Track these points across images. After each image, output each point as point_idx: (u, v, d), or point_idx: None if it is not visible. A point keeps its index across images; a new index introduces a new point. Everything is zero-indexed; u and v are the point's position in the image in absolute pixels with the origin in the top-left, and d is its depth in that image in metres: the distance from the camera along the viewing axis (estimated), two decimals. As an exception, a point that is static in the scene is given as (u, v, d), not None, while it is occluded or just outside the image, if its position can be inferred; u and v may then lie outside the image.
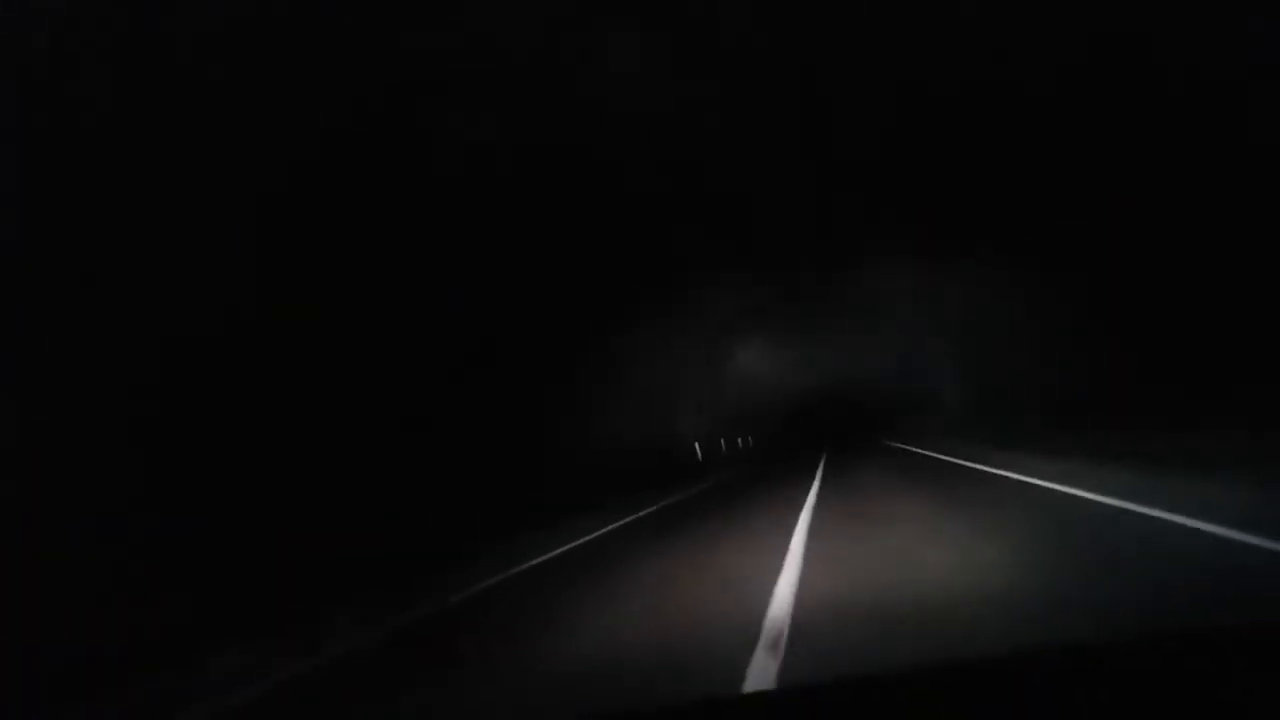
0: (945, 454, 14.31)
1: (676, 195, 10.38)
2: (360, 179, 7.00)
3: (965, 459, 12.24)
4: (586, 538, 9.06)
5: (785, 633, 3.56)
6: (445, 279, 8.77)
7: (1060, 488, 6.89)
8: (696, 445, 23.83)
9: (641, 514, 11.28)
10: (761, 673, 3.04)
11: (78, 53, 4.72)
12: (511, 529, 9.79)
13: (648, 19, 6.95)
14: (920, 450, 17.68)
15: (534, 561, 7.67)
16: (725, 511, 10.18)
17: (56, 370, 4.96)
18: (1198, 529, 4.36)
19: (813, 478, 13.82)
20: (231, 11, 5.38)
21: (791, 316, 20.68)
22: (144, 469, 5.40)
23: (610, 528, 9.89)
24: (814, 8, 6.88)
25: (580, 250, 10.62)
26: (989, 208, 10.46)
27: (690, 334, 18.63)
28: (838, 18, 6.96)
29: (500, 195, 8.69)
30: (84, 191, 4.88)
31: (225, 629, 5.20)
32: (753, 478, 17.56)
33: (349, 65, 6.31)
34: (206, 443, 5.89)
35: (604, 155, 8.93)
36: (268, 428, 6.47)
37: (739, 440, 31.89)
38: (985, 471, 9.85)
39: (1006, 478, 8.61)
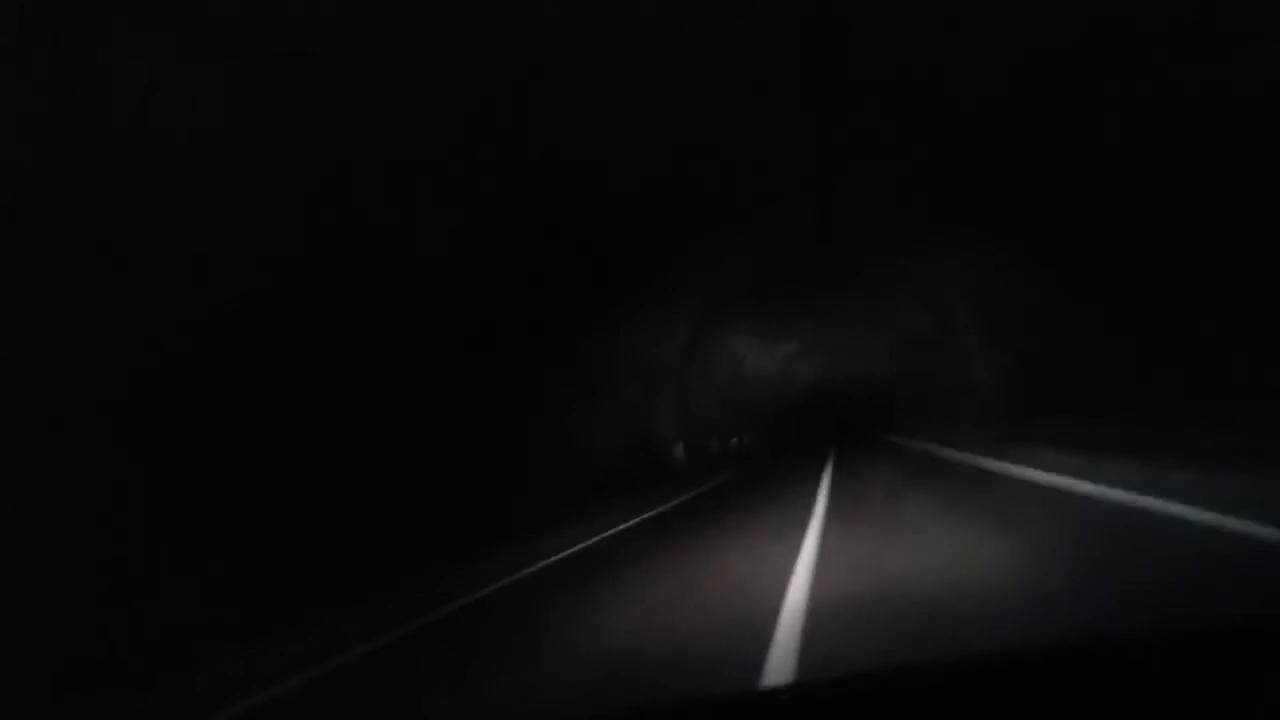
0: (971, 453, 13.43)
1: (667, 179, 10.10)
2: (352, 182, 6.97)
3: (983, 455, 12.02)
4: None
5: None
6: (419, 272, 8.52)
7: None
8: (678, 446, 20.90)
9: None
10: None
11: (75, 45, 4.68)
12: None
13: (645, 13, 6.99)
14: (935, 447, 16.79)
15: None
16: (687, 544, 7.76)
17: (56, 369, 4.91)
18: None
19: (815, 493, 11.12)
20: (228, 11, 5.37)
21: (793, 306, 19.62)
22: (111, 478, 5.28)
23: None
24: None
25: (563, 232, 10.24)
26: (996, 201, 10.51)
27: (677, 322, 16.90)
28: (843, 10, 7.09)
29: (489, 187, 8.58)
30: (79, 180, 4.84)
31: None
32: (742, 485, 15.16)
33: (343, 58, 6.28)
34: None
35: (591, 142, 8.79)
36: (239, 434, 6.28)
37: (734, 439, 28.38)
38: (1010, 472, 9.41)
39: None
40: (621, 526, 10.23)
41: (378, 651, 5.19)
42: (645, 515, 11.28)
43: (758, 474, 18.55)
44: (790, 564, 5.43)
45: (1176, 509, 4.95)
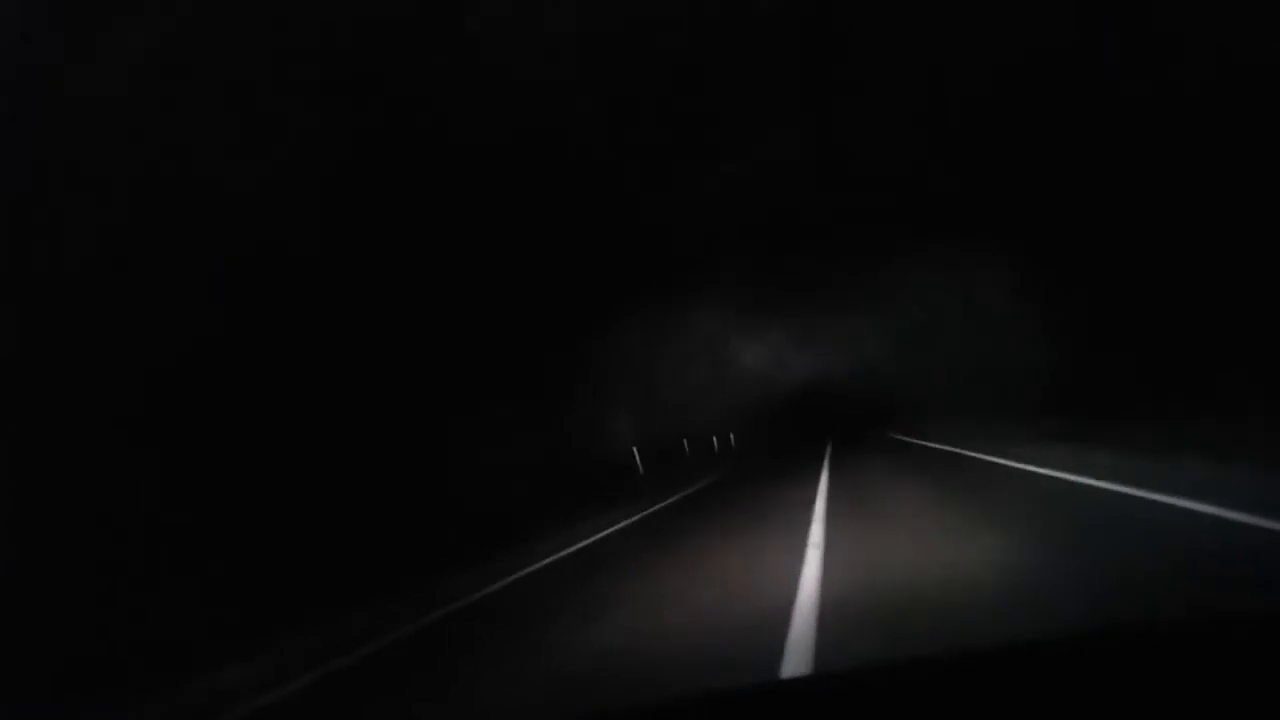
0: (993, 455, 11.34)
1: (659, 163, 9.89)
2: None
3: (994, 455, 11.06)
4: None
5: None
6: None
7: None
8: (635, 451, 17.50)
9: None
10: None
11: (78, 52, 4.67)
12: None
13: (643, 13, 6.97)
14: (938, 446, 15.52)
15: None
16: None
17: (57, 371, 4.91)
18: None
19: (812, 500, 9.41)
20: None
21: (789, 287, 18.57)
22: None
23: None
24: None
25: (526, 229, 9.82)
26: (994, 200, 10.50)
27: (642, 304, 14.94)
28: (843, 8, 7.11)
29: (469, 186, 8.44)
30: (85, 188, 4.83)
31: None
32: (693, 513, 10.91)
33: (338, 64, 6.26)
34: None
35: (568, 134, 8.63)
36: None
37: (714, 439, 25.72)
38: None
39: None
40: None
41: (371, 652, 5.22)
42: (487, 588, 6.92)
43: (732, 488, 14.41)
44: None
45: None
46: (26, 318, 4.79)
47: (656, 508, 12.10)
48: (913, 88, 8.53)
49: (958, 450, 12.89)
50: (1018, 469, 8.78)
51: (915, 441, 18.75)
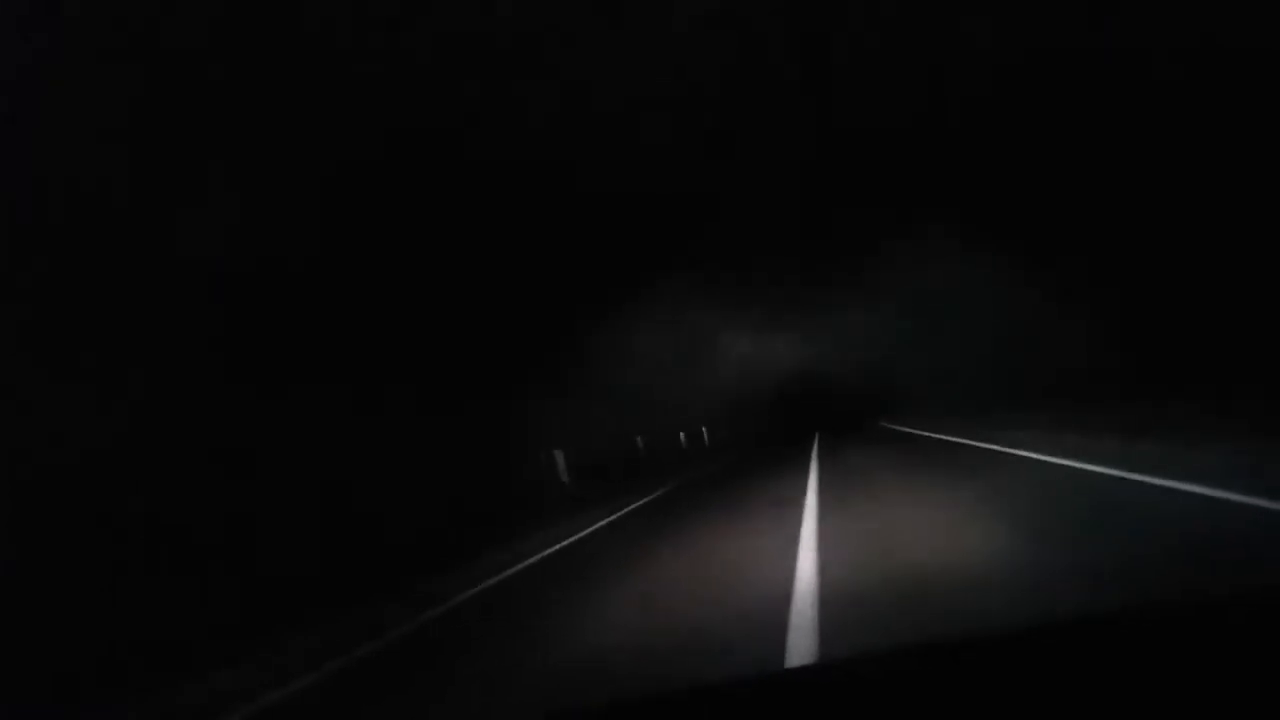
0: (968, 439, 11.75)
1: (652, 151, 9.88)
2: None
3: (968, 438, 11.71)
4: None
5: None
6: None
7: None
8: (559, 455, 14.22)
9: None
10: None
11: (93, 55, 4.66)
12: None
13: (640, 7, 6.96)
14: (927, 434, 15.61)
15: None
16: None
17: (57, 370, 4.91)
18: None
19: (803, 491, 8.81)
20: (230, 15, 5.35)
21: (787, 298, 18.90)
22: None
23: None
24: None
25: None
26: (994, 198, 10.51)
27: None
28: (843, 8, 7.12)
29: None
30: (85, 188, 4.83)
31: None
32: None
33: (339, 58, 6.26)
34: None
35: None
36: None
37: (682, 436, 22.39)
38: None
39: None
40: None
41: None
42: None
43: (704, 487, 11.30)
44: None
45: None
46: (26, 318, 4.79)
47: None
48: (913, 88, 8.53)
49: (957, 440, 12.92)
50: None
51: (914, 431, 18.87)
